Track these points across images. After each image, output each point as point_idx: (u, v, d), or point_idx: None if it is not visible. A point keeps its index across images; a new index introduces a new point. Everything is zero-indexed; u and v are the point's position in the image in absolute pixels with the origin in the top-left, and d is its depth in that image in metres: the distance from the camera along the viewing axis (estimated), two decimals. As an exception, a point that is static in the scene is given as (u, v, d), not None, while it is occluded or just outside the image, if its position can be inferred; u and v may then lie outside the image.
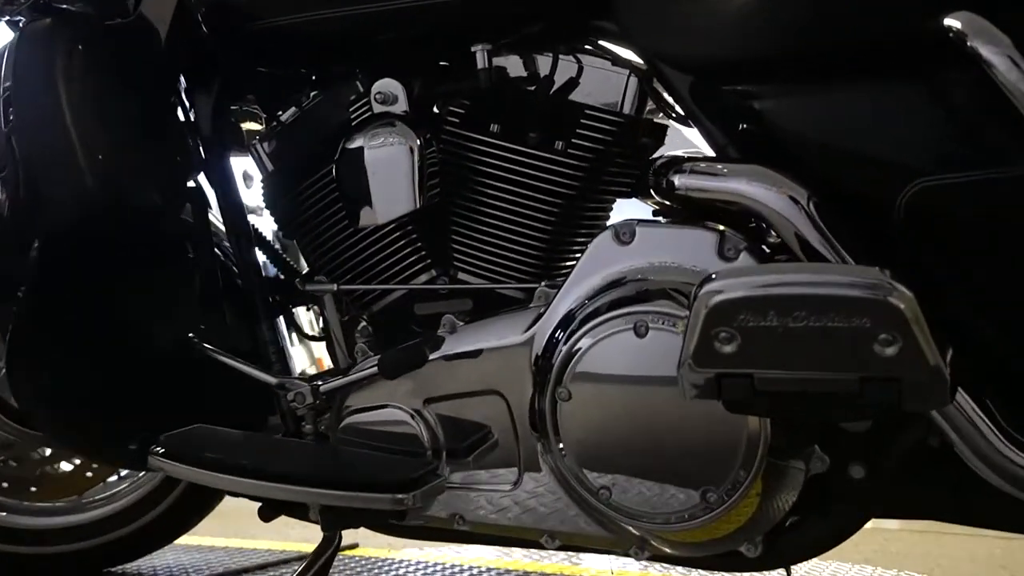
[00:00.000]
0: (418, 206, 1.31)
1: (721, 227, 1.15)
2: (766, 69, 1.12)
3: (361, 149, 1.32)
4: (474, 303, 1.36)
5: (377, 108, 1.36)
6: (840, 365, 0.95)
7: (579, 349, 1.15)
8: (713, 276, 1.00)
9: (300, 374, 1.49)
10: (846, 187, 1.09)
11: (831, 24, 1.05)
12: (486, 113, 1.35)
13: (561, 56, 1.36)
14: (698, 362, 1.00)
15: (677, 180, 1.16)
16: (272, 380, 1.40)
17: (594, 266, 1.19)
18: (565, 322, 1.19)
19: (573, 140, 1.31)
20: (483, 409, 1.28)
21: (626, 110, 1.34)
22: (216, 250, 1.58)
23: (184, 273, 1.49)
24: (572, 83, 1.36)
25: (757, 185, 1.10)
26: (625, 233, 1.18)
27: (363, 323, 1.45)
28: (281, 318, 1.57)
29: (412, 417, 1.31)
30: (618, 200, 1.42)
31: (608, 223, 1.19)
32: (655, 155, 1.34)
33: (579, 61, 1.36)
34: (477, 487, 1.30)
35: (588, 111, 1.31)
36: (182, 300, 1.48)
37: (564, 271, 1.41)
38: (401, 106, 1.36)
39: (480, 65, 1.33)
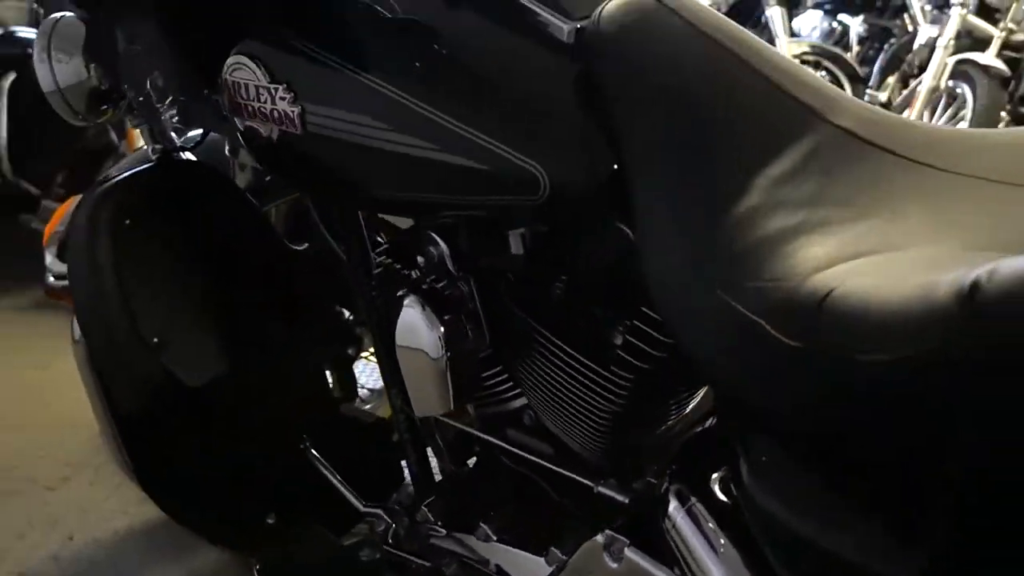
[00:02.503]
0: (452, 407, 1.16)
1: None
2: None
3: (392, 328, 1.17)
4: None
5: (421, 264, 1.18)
6: None
7: None
8: None
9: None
10: None
11: None
12: (534, 291, 1.11)
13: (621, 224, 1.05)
14: None
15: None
16: (359, 506, 1.39)
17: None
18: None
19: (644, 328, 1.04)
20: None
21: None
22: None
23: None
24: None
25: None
26: (615, 551, 0.96)
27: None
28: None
29: None
30: None
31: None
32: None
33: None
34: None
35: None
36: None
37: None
38: (442, 265, 1.16)
39: (514, 250, 1.08)
